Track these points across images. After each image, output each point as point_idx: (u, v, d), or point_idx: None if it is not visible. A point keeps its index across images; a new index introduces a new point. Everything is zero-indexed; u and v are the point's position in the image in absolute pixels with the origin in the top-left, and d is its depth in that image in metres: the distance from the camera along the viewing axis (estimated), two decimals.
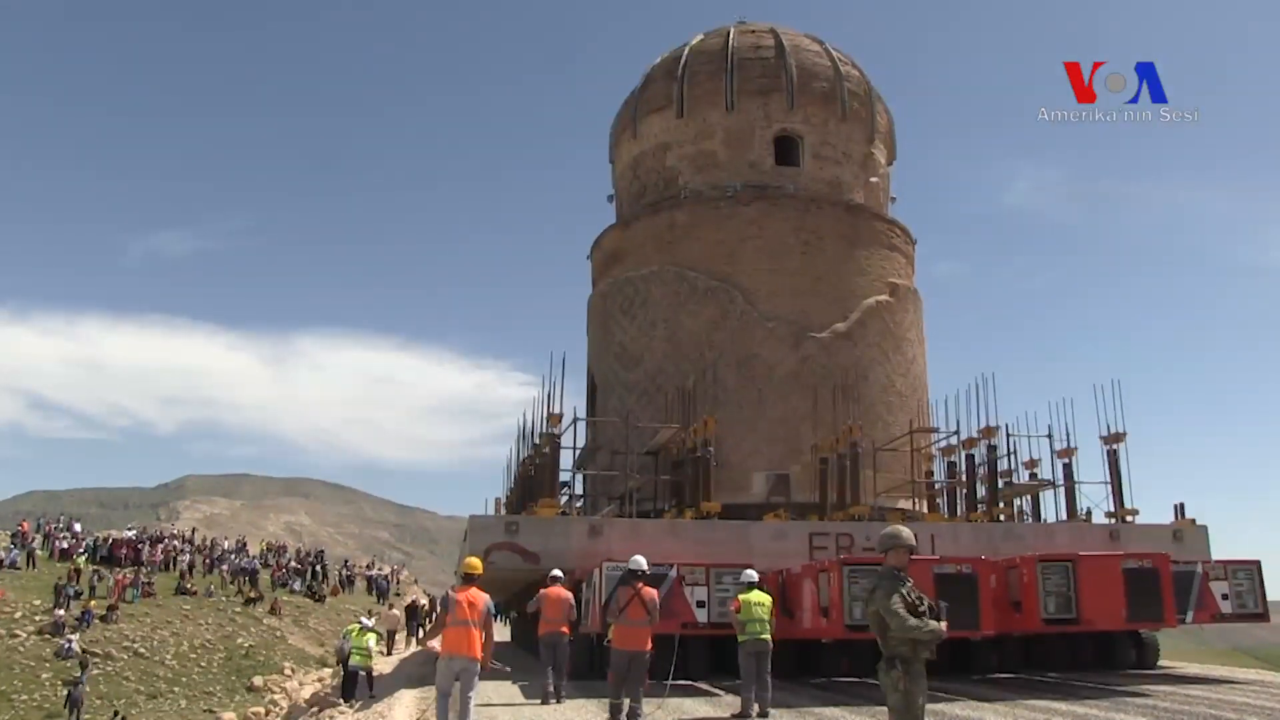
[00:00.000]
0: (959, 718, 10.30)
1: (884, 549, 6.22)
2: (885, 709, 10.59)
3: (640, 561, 10.64)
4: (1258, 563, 15.83)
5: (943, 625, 5.89)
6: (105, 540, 40.80)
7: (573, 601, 12.94)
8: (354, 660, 17.33)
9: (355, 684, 17.44)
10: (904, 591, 5.93)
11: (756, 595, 11.18)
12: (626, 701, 9.72)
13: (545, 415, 20.80)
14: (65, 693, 25.89)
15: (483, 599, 8.73)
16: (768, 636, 10.89)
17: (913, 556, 6.29)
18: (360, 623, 19.81)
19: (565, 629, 12.57)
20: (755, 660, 10.76)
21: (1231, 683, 14.12)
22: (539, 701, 12.12)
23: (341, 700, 18.26)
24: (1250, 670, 17.68)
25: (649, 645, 9.81)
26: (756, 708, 10.59)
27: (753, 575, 11.77)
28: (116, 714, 25.40)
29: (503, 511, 25.57)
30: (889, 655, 5.95)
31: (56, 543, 38.84)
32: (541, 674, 12.43)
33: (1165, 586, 14.04)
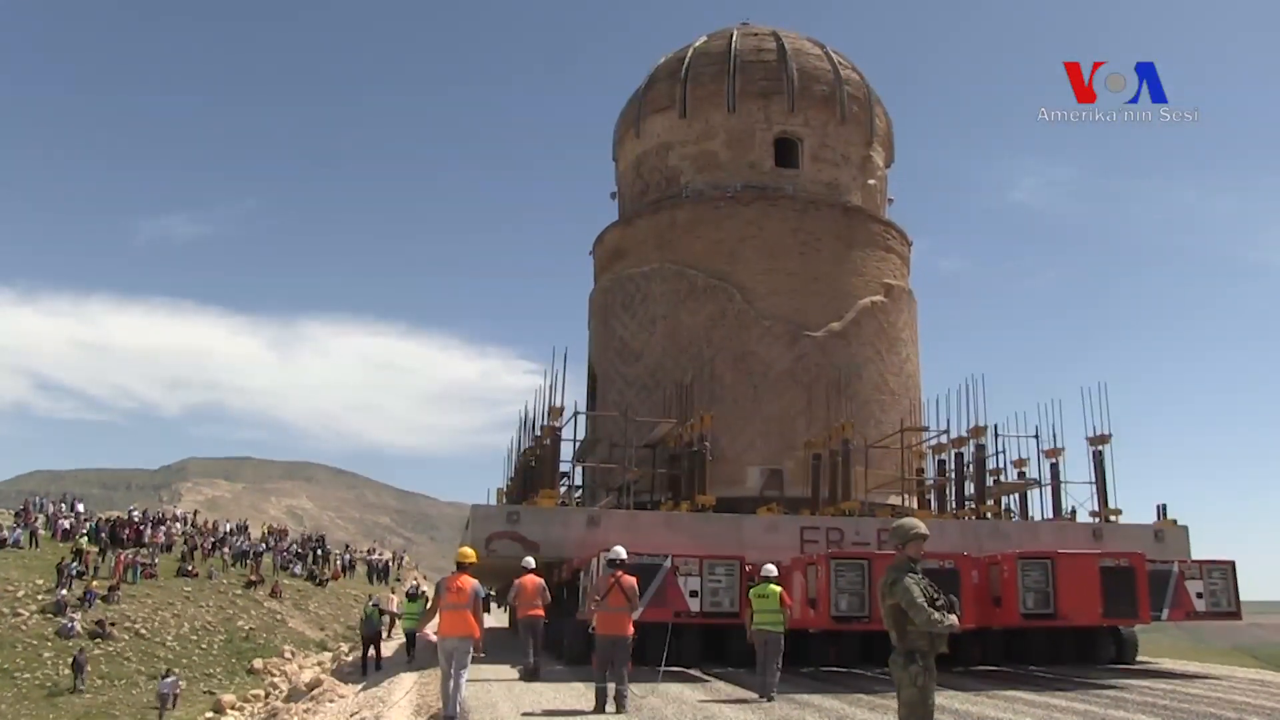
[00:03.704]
0: (960, 711, 10.44)
1: (903, 540, 6.03)
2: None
3: (620, 551, 11.19)
4: (1232, 563, 16.35)
5: (955, 619, 5.78)
6: (108, 521, 41.16)
7: (545, 586, 13.87)
8: (406, 625, 19.97)
9: (412, 645, 19.73)
10: (922, 585, 5.81)
11: (765, 588, 11.77)
12: (611, 685, 10.22)
13: (547, 407, 21.32)
14: (72, 657, 27.07)
15: (471, 583, 9.46)
16: (769, 626, 11.48)
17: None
18: (375, 603, 21.17)
19: (540, 611, 13.56)
20: (763, 648, 11.40)
21: (1231, 681, 14.35)
22: (526, 678, 13.10)
23: (365, 666, 19.92)
24: (1250, 669, 17.97)
25: (630, 630, 10.35)
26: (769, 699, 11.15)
27: (770, 570, 12.25)
28: (168, 671, 26.05)
29: (504, 501, 26.15)
30: (908, 649, 5.81)
31: (59, 522, 39.20)
32: (524, 653, 13.51)
33: (1141, 584, 14.58)
